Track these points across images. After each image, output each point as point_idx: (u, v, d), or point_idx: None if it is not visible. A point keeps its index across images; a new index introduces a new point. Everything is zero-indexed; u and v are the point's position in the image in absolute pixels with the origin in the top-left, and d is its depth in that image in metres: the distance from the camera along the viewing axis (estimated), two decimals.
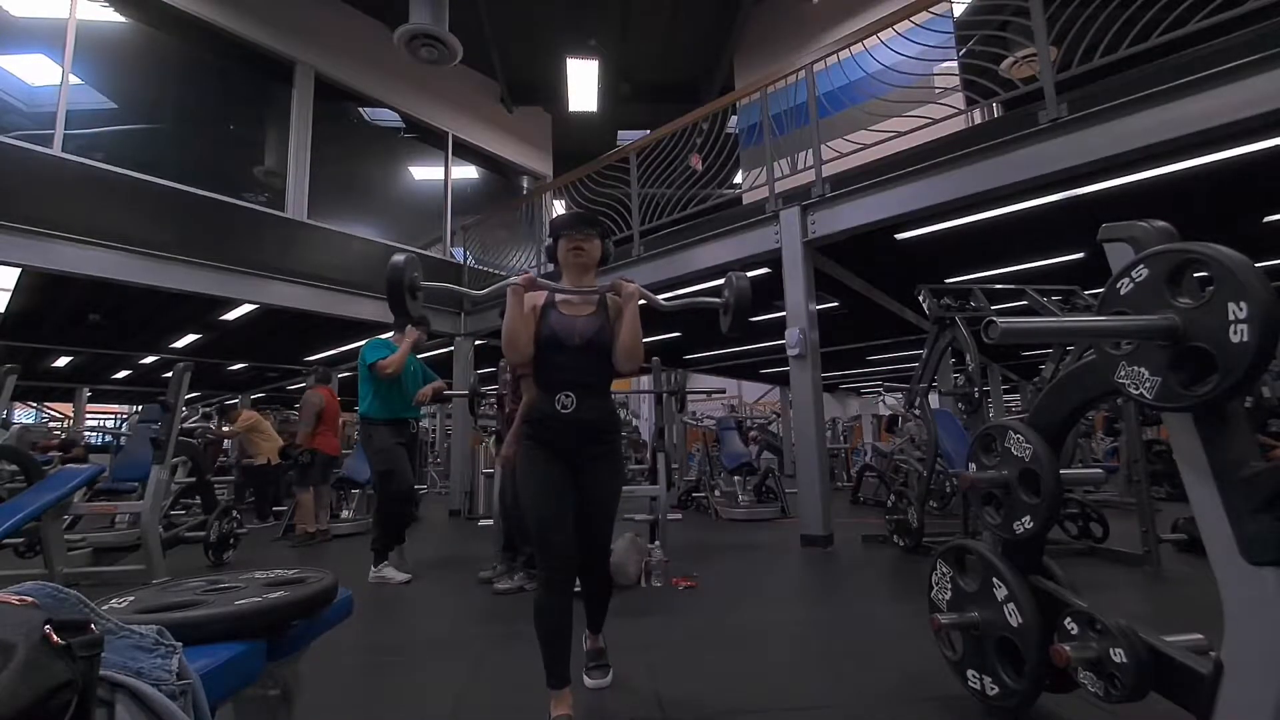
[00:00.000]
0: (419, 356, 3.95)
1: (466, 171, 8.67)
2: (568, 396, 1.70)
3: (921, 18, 4.07)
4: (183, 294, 5.42)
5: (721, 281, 2.02)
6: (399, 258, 1.73)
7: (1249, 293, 1.08)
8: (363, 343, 3.80)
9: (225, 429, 6.70)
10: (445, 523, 6.64)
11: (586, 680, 1.89)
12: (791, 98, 4.85)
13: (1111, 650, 1.30)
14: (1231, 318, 1.10)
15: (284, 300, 5.99)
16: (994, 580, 1.62)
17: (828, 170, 4.51)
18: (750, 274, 6.04)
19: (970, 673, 1.69)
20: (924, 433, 4.84)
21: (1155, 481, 5.27)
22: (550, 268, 2.05)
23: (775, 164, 4.81)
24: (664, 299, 1.94)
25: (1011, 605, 1.55)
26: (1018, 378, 11.35)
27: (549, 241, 1.91)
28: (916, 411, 4.40)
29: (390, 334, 3.84)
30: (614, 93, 8.90)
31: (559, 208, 7.45)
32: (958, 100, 4.13)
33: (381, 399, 3.60)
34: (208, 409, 8.05)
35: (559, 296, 1.79)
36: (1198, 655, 1.24)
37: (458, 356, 7.55)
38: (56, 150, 4.83)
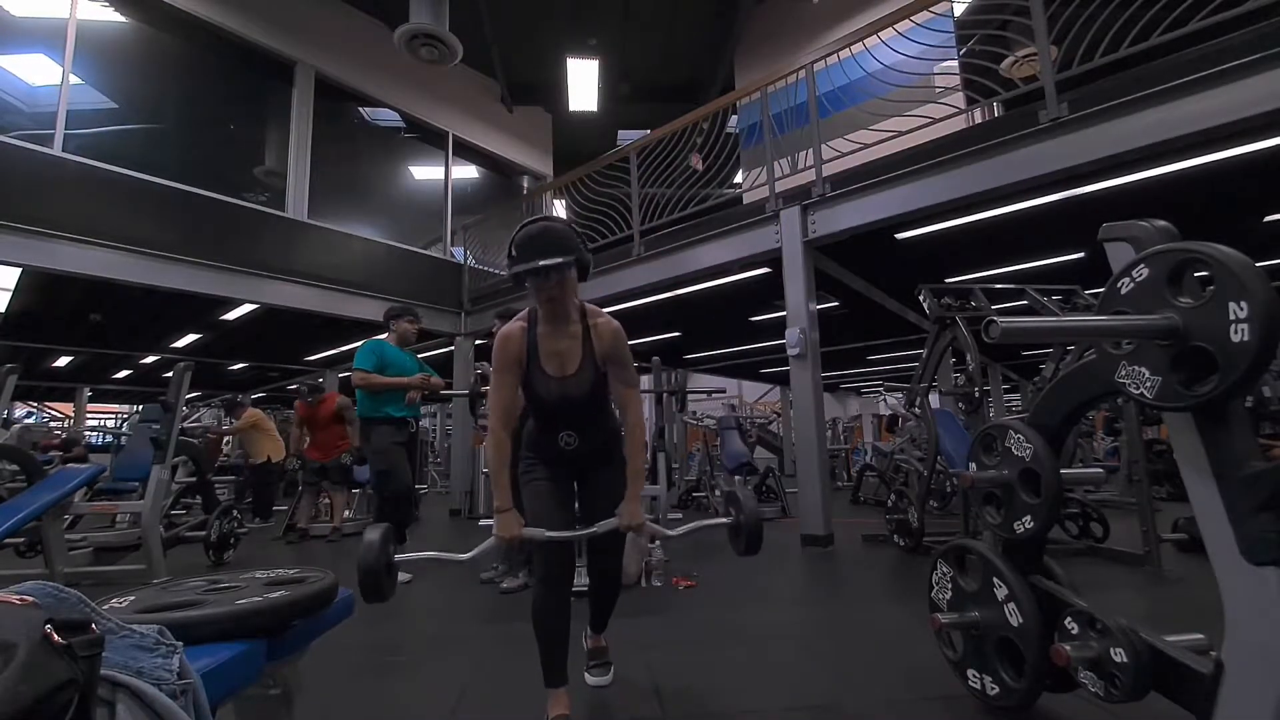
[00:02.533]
0: (420, 356, 3.93)
1: (466, 171, 8.67)
2: (570, 435, 1.71)
3: (922, 17, 4.07)
4: (183, 294, 5.42)
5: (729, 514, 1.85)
6: (372, 536, 1.52)
7: (1249, 292, 1.08)
8: (362, 343, 3.79)
9: (229, 426, 6.75)
10: (446, 523, 6.64)
11: (588, 678, 1.89)
12: (791, 97, 4.85)
13: (1112, 650, 1.30)
14: (1232, 317, 1.10)
15: (284, 300, 5.99)
16: (994, 580, 1.62)
17: (828, 170, 4.51)
18: (750, 274, 6.02)
19: (970, 672, 1.69)
20: (924, 432, 4.84)
21: (1156, 481, 5.27)
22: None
23: (775, 164, 4.81)
24: (672, 532, 1.83)
25: (1012, 605, 1.55)
26: (1018, 377, 11.36)
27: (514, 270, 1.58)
28: (917, 411, 4.40)
29: (385, 335, 3.83)
30: (614, 93, 8.89)
31: (559, 208, 7.45)
32: (958, 100, 4.13)
33: (380, 399, 3.58)
34: (218, 405, 8.05)
35: (541, 346, 1.64)
36: (1198, 655, 1.24)
37: (458, 356, 7.56)
38: (56, 150, 4.83)
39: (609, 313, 1.73)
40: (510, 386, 1.66)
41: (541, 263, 1.50)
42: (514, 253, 1.55)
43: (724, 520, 1.83)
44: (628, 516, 1.66)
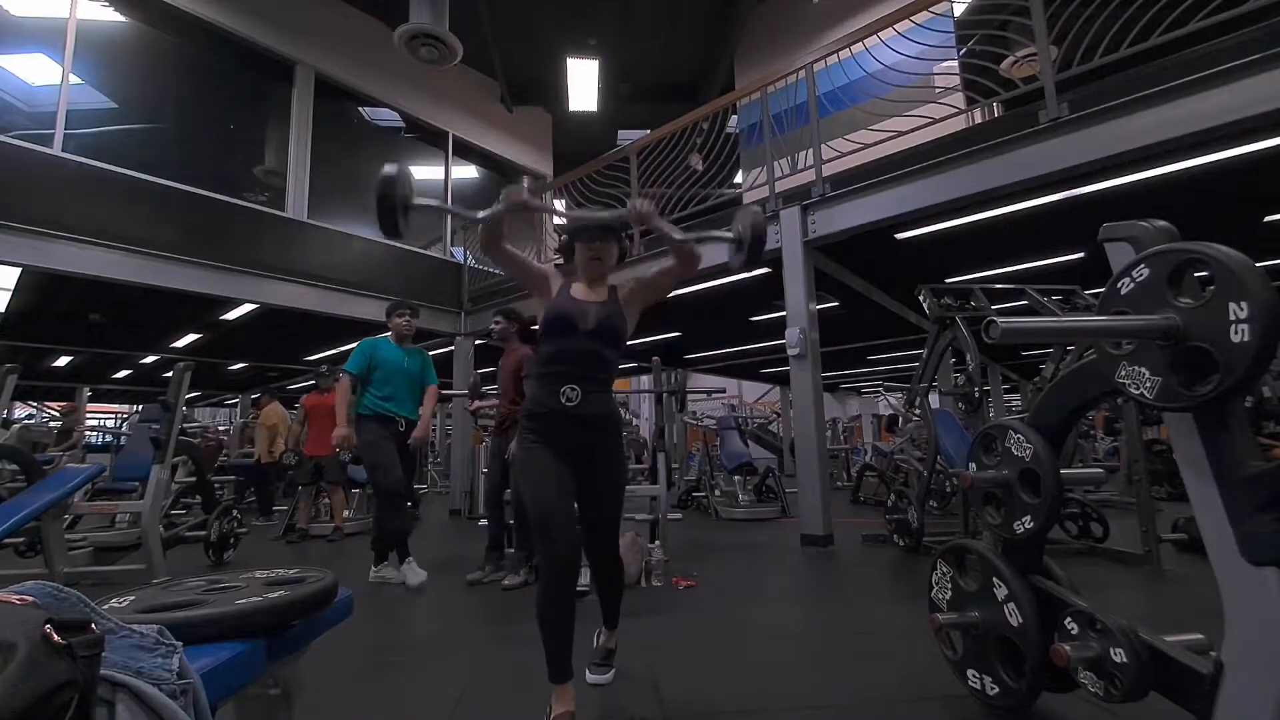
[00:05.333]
0: (429, 353, 3.88)
1: (466, 171, 8.67)
2: (572, 390, 1.68)
3: (922, 17, 4.07)
4: (183, 294, 5.42)
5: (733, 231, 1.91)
6: (390, 168, 1.55)
7: (1250, 293, 1.08)
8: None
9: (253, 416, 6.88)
10: (445, 522, 6.64)
11: (589, 676, 1.89)
12: (791, 97, 4.84)
13: (1112, 650, 1.30)
14: (1232, 318, 1.10)
15: (284, 300, 5.99)
16: (994, 580, 1.62)
17: (828, 170, 4.51)
18: (750, 274, 6.00)
19: (970, 672, 1.69)
20: (924, 432, 4.84)
21: (1155, 481, 5.28)
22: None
23: (775, 164, 4.81)
24: (676, 235, 1.88)
25: (1012, 605, 1.55)
26: (1018, 378, 11.35)
27: (564, 237, 1.88)
28: (917, 411, 4.40)
29: (389, 333, 3.76)
30: (614, 93, 8.90)
31: (560, 208, 7.45)
32: (958, 100, 4.13)
33: (367, 394, 3.49)
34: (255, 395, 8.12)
35: (573, 286, 1.82)
36: (1198, 655, 1.24)
37: (458, 356, 7.56)
38: (56, 150, 4.83)
39: None
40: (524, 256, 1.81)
41: (602, 215, 1.73)
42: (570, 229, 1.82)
43: (727, 235, 1.86)
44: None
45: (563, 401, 1.68)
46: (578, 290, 1.80)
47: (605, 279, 1.85)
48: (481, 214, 1.65)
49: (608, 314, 1.75)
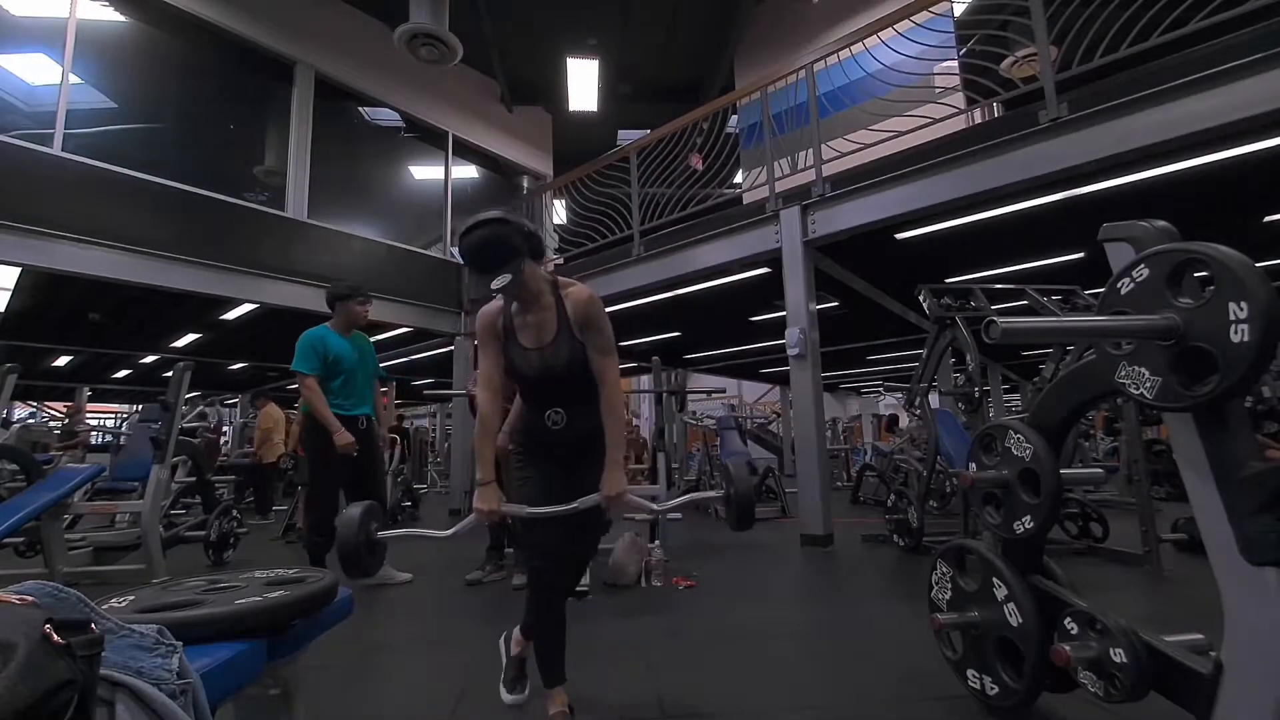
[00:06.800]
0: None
1: (466, 171, 8.66)
2: (557, 413, 1.65)
3: (922, 17, 4.07)
4: (183, 294, 5.42)
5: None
6: (353, 511, 1.49)
7: (1249, 293, 1.08)
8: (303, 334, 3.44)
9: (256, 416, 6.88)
10: (445, 522, 6.63)
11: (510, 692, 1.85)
12: (791, 97, 4.85)
13: (1111, 650, 1.30)
14: (1232, 318, 1.10)
15: (284, 300, 5.98)
16: (994, 580, 1.62)
17: (828, 170, 4.51)
18: (750, 273, 5.99)
19: (970, 672, 1.69)
20: (924, 432, 4.84)
21: (1155, 481, 5.27)
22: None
23: (775, 164, 4.81)
24: (656, 506, 1.84)
25: (1011, 605, 1.55)
26: (1018, 378, 11.35)
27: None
28: (917, 411, 4.40)
29: (330, 322, 3.49)
30: (614, 93, 8.89)
31: (559, 208, 7.45)
32: (958, 100, 4.13)
33: (324, 391, 3.25)
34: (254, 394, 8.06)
35: (516, 320, 1.64)
36: (1198, 655, 1.24)
37: (457, 356, 7.56)
38: (56, 150, 4.83)
39: (609, 312, 1.70)
40: (492, 356, 1.66)
41: (494, 287, 1.48)
42: (465, 263, 1.57)
43: (714, 494, 1.77)
44: (609, 486, 1.58)
45: (549, 424, 1.65)
46: (523, 331, 1.64)
47: (537, 294, 1.61)
48: (447, 532, 1.60)
49: (558, 356, 1.60)
